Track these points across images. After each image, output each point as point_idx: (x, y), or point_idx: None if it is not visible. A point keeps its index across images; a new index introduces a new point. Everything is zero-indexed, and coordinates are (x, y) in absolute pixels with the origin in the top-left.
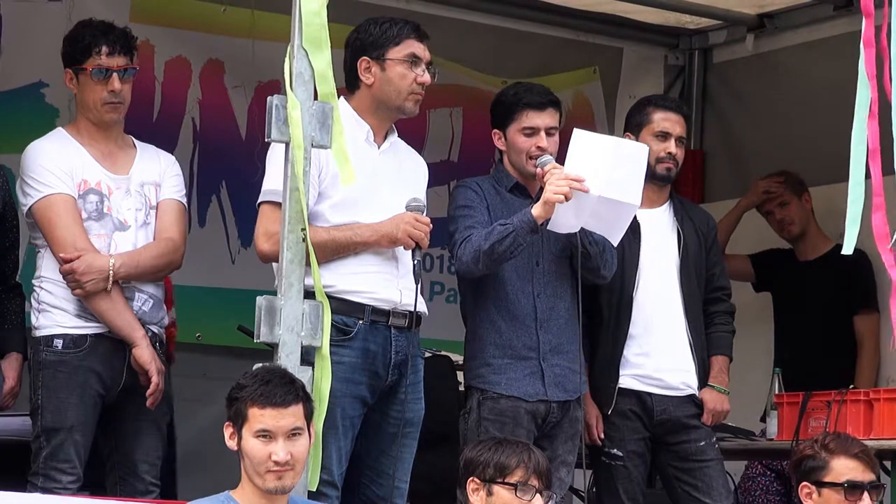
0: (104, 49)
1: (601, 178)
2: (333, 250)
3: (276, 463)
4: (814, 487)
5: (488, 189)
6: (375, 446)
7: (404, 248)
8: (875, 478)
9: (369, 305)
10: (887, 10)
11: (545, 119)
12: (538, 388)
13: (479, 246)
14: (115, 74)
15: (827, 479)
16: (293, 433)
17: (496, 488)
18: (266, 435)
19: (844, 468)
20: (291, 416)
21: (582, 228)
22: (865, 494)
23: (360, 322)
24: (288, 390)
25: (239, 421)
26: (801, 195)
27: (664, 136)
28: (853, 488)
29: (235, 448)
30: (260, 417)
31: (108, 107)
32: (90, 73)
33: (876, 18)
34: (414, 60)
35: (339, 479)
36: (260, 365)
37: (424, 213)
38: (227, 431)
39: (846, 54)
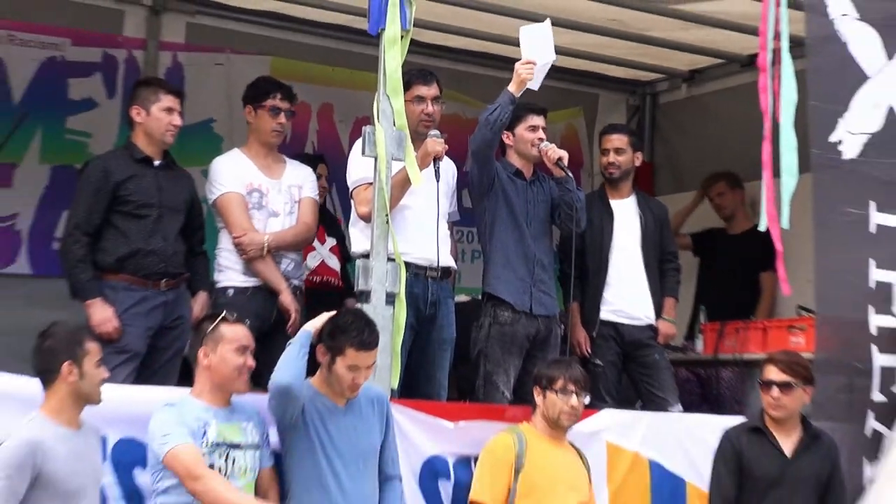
0: (278, 96)
1: (535, 53)
2: (395, 196)
3: (357, 385)
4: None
5: (500, 169)
6: (424, 359)
7: (435, 157)
8: (789, 380)
9: (412, 263)
10: (778, 67)
11: (541, 120)
12: (526, 302)
13: (480, 121)
14: (283, 113)
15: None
16: (369, 366)
17: (548, 393)
18: (356, 368)
19: (766, 370)
20: (373, 356)
21: (571, 193)
22: (774, 388)
23: (407, 274)
24: (375, 338)
25: (334, 351)
26: (735, 189)
27: (605, 151)
28: (764, 384)
29: (322, 361)
30: (355, 358)
31: (274, 133)
32: (268, 109)
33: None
34: (419, 99)
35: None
36: (355, 305)
37: (440, 138)
38: (321, 350)
39: (749, 96)
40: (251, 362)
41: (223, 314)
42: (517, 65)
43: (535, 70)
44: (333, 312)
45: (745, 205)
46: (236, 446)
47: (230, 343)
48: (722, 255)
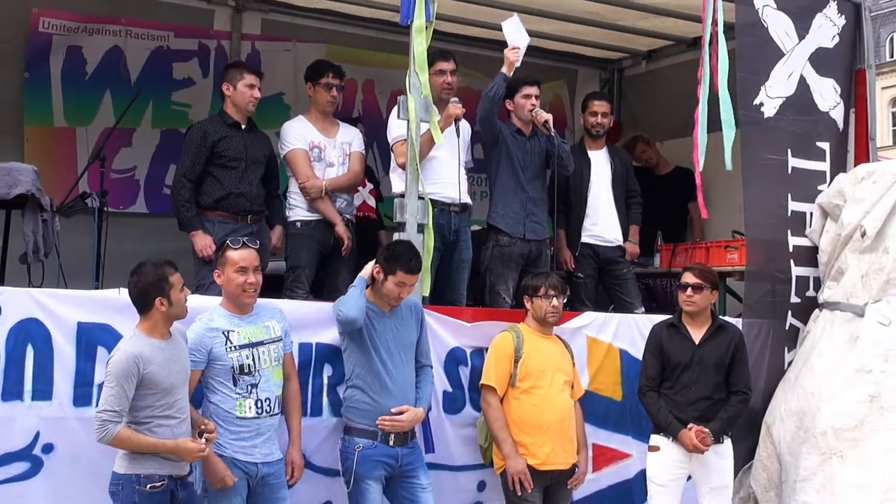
0: (331, 74)
1: (517, 40)
2: (423, 150)
3: (400, 298)
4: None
5: (504, 128)
6: (449, 275)
7: (455, 118)
8: (700, 282)
9: (439, 200)
10: (716, 47)
11: (534, 90)
12: (520, 230)
13: (482, 96)
14: (334, 87)
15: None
16: (412, 285)
17: (534, 299)
18: (402, 285)
19: (683, 276)
20: (416, 278)
21: (560, 146)
22: (689, 289)
23: (435, 209)
24: (419, 265)
25: (388, 271)
26: (651, 145)
27: (594, 113)
28: (681, 286)
29: (377, 277)
30: (403, 278)
31: (328, 103)
32: (323, 85)
33: (708, 51)
34: (440, 72)
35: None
36: (402, 239)
37: (458, 103)
38: (376, 269)
39: (695, 70)
40: (252, 279)
41: (227, 241)
42: (506, 51)
43: (519, 53)
44: (374, 264)
45: (662, 153)
46: (259, 343)
47: (232, 265)
48: (650, 190)
